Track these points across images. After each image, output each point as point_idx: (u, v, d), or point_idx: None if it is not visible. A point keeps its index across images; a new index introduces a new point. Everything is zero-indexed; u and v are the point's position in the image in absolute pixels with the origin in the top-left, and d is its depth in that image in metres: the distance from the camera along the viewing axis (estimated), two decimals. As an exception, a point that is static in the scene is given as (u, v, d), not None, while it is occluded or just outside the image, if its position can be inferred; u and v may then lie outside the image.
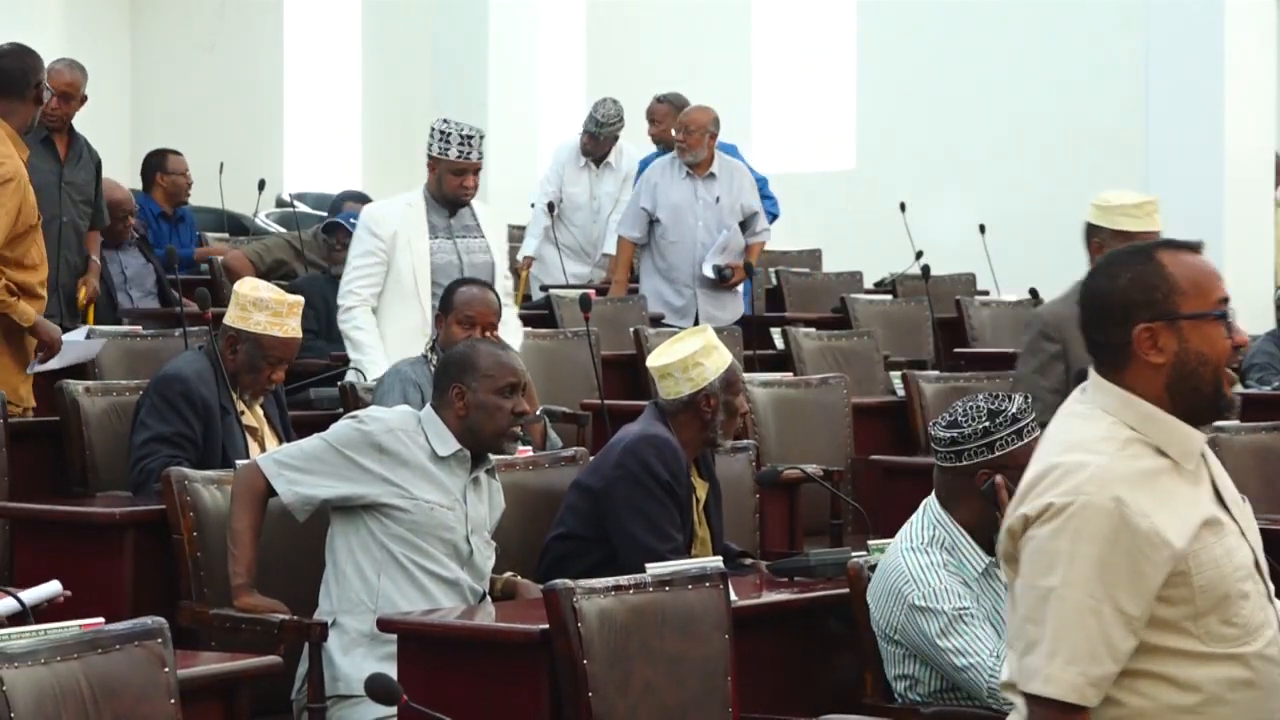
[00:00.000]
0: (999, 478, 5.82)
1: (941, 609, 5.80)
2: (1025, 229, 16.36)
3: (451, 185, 8.96)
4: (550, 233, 13.37)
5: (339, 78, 20.92)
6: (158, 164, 12.73)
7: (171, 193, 12.69)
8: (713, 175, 12.06)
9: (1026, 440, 5.87)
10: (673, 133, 12.31)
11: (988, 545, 5.92)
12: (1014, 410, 5.91)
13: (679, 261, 11.93)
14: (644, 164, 13.23)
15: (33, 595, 5.57)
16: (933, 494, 6.03)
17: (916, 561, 5.89)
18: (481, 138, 8.99)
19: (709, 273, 11.91)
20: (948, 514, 5.95)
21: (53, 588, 5.61)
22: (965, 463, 5.92)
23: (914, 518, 6.04)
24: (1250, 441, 8.94)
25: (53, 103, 10.06)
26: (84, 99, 10.28)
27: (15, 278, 8.33)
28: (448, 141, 8.91)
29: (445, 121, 9.03)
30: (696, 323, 11.42)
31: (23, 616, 5.40)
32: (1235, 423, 9.26)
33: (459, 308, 7.80)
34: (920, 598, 5.82)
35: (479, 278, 8.45)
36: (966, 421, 5.94)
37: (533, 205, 13.57)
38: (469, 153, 8.93)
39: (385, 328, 8.91)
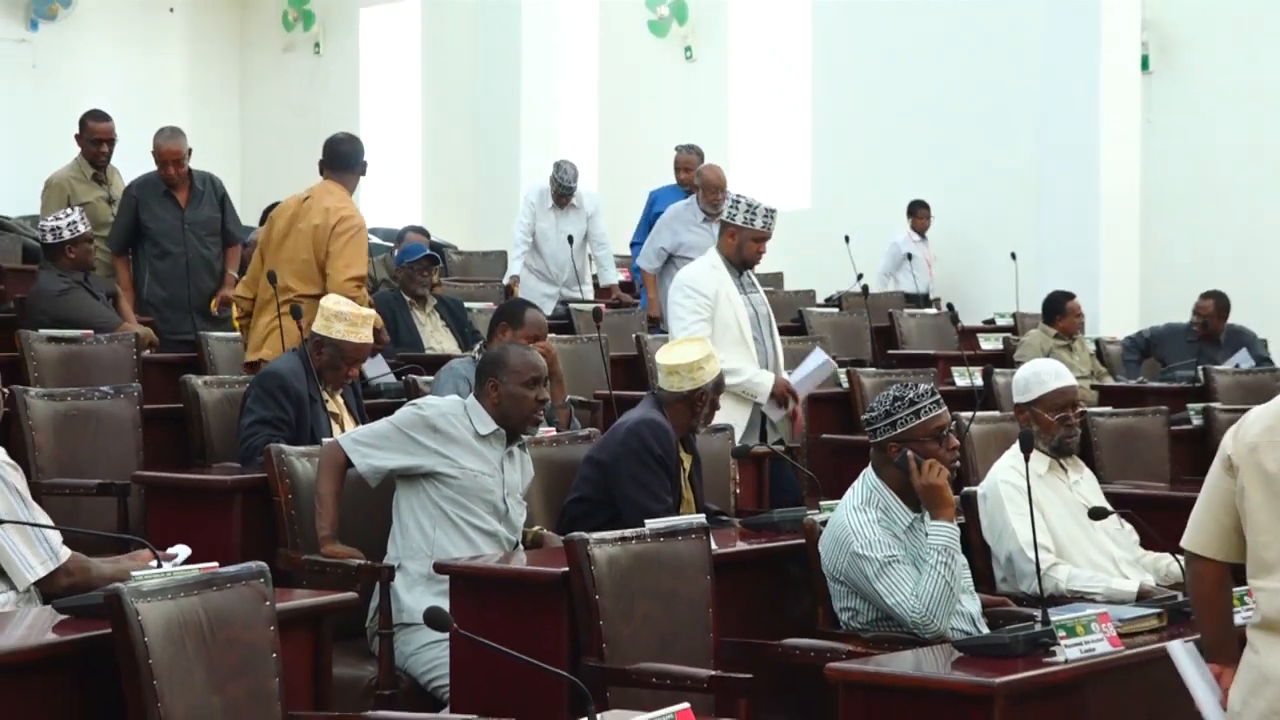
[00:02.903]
0: (909, 452, 5.85)
1: (875, 556, 5.81)
2: (942, 258, 16.38)
3: (751, 250, 8.67)
4: (526, 259, 13.16)
5: (402, 137, 20.90)
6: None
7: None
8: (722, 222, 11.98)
9: (924, 419, 5.91)
10: (699, 188, 12.04)
11: (913, 504, 5.93)
12: (912, 395, 5.94)
13: None
14: (655, 197, 13.11)
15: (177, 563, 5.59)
16: (869, 465, 6.04)
17: (857, 518, 5.89)
18: (775, 212, 8.71)
19: None
20: (880, 480, 5.96)
21: (183, 553, 5.62)
22: (879, 439, 5.97)
23: (855, 484, 6.05)
24: (1118, 424, 8.96)
25: (169, 169, 10.09)
26: (189, 152, 10.21)
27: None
28: (753, 214, 8.60)
29: (740, 197, 8.73)
30: None
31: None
32: (1107, 409, 9.30)
33: (529, 327, 7.71)
34: (859, 547, 5.83)
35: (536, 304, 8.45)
36: (877, 406, 5.99)
37: (530, 238, 13.32)
38: (770, 224, 8.67)
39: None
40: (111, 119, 10.72)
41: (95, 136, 10.58)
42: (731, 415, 8.26)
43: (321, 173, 9.12)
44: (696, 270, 8.79)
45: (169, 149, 10.12)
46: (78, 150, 10.77)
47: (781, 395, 8.56)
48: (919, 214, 16.69)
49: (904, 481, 5.92)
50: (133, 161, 10.94)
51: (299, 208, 8.90)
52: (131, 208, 10.17)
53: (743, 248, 8.64)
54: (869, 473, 6.02)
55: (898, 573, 5.80)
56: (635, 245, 13.25)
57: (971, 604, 5.99)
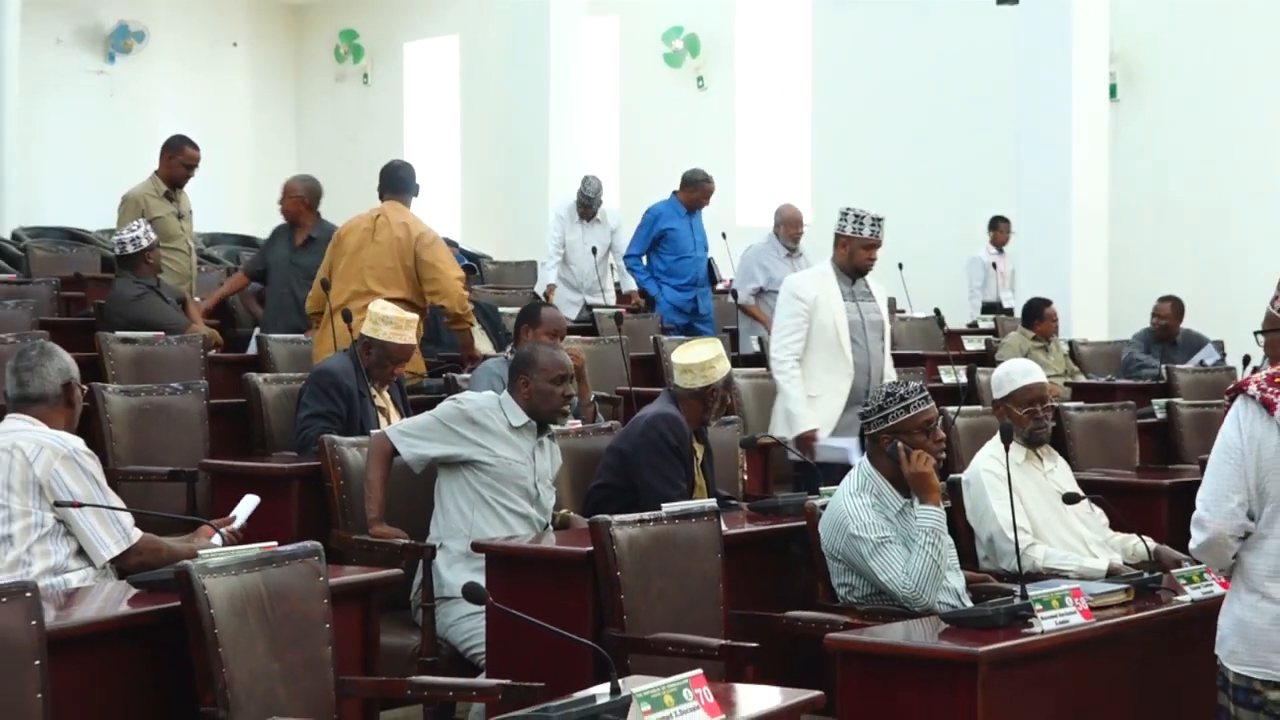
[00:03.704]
0: (899, 442, 5.83)
1: (869, 537, 5.80)
2: (930, 266, 16.34)
3: (862, 258, 8.18)
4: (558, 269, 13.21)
5: (443, 159, 20.92)
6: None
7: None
8: (801, 254, 11.88)
9: (913, 413, 5.91)
10: (785, 228, 11.99)
11: (904, 490, 5.92)
12: (903, 392, 5.93)
13: None
14: (657, 213, 13.02)
15: (243, 511, 5.60)
16: (864, 455, 6.04)
17: (853, 503, 5.88)
18: (883, 220, 8.25)
19: None
20: (874, 469, 5.95)
21: (253, 501, 5.63)
22: (873, 431, 5.96)
23: (852, 472, 6.05)
24: (1089, 417, 8.94)
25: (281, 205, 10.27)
26: (298, 198, 10.28)
27: None
28: (861, 223, 8.14)
29: (850, 208, 8.22)
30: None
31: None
32: (1079, 403, 9.30)
33: (546, 323, 7.71)
34: (855, 529, 5.82)
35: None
36: (871, 402, 5.98)
37: (562, 250, 13.36)
38: (878, 231, 8.17)
39: (816, 368, 8.18)
40: (200, 149, 10.74)
41: (188, 161, 10.58)
42: (826, 416, 8.17)
43: (381, 195, 9.27)
44: (803, 276, 8.51)
45: (283, 185, 10.37)
46: (153, 168, 10.71)
47: (803, 444, 8.12)
48: (1000, 228, 16.15)
49: (895, 470, 5.91)
50: (196, 180, 10.93)
51: (372, 224, 9.05)
52: (269, 240, 10.34)
53: (854, 255, 8.22)
54: (864, 462, 6.01)
55: (890, 553, 5.79)
56: (630, 257, 13.17)
57: (957, 580, 5.98)
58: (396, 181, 9.29)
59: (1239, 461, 4.55)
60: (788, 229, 11.94)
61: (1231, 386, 4.72)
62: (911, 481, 5.88)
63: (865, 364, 8.28)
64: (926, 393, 5.99)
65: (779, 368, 8.21)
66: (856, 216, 8.17)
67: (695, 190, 12.93)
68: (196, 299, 10.64)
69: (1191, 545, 4.68)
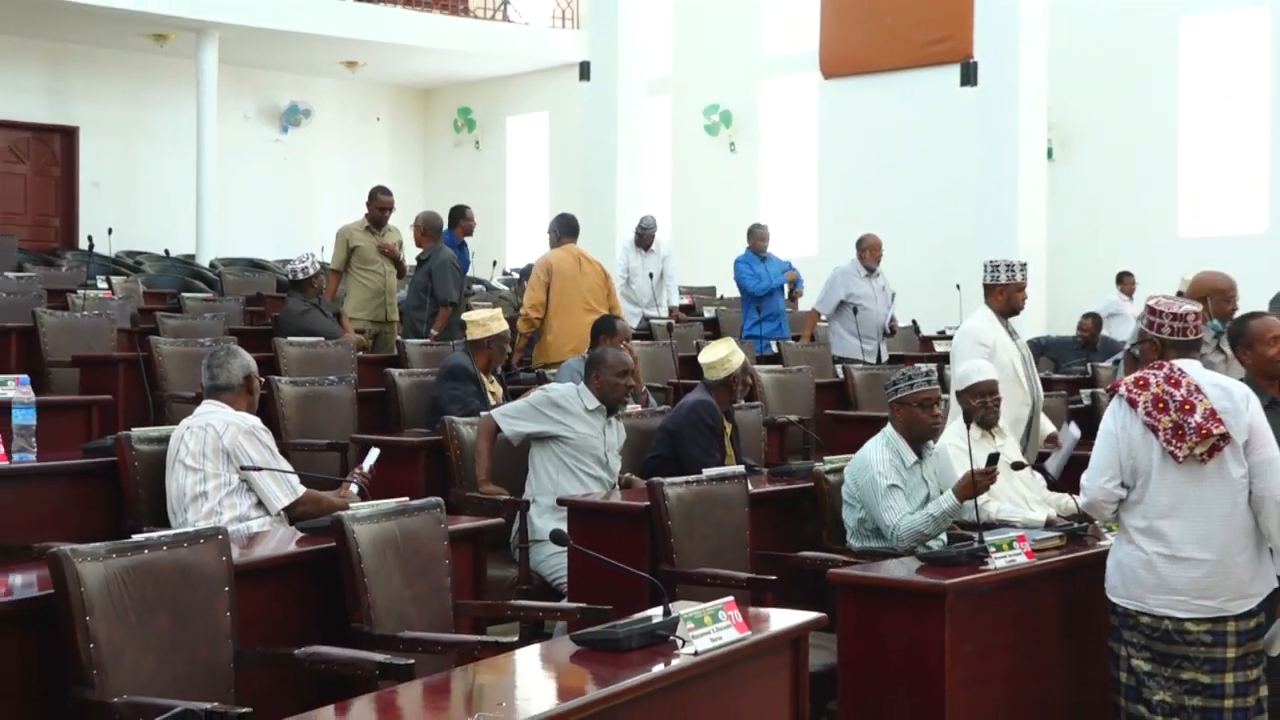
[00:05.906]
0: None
1: (883, 482, 5.75)
2: (911, 288, 16.23)
3: (1018, 300, 7.11)
4: (622, 289, 13.19)
5: (535, 206, 20.94)
6: (459, 214, 12.33)
7: (466, 230, 12.28)
8: (879, 274, 11.54)
9: (916, 390, 5.86)
10: (868, 253, 11.42)
11: (917, 450, 5.88)
12: (912, 372, 5.89)
13: (868, 326, 11.31)
14: (740, 262, 12.30)
15: (369, 461, 5.60)
16: (889, 420, 6.02)
17: (877, 454, 5.86)
18: (1027, 264, 7.21)
19: (888, 330, 11.54)
20: (895, 431, 5.90)
21: (375, 453, 5.62)
22: (889, 399, 5.95)
23: (879, 434, 6.00)
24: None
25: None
26: (416, 228, 10.32)
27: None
28: (1013, 271, 7.13)
29: (995, 261, 7.16)
30: (879, 359, 11.12)
31: (364, 493, 5.45)
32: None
33: (619, 334, 7.71)
34: (877, 470, 5.79)
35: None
36: (894, 378, 5.96)
37: (626, 274, 13.28)
38: (1025, 274, 7.15)
39: (1004, 402, 6.72)
40: (392, 194, 10.74)
41: (380, 205, 10.62)
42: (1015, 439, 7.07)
43: (560, 238, 9.59)
44: (977, 324, 7.19)
45: (418, 220, 10.42)
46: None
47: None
48: (1125, 281, 15.21)
49: (911, 433, 5.87)
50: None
51: (576, 260, 9.54)
52: None
53: (1011, 299, 7.12)
54: (889, 426, 5.98)
55: (894, 497, 5.75)
56: (740, 262, 12.66)
57: (943, 536, 5.90)
58: (573, 228, 9.69)
59: (1113, 445, 4.69)
60: (871, 254, 11.65)
61: (1110, 386, 4.77)
62: (960, 479, 5.74)
63: (1034, 391, 7.32)
64: (933, 377, 5.96)
65: None
66: (1007, 266, 7.18)
67: (752, 238, 12.61)
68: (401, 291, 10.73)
69: (1079, 503, 4.80)
